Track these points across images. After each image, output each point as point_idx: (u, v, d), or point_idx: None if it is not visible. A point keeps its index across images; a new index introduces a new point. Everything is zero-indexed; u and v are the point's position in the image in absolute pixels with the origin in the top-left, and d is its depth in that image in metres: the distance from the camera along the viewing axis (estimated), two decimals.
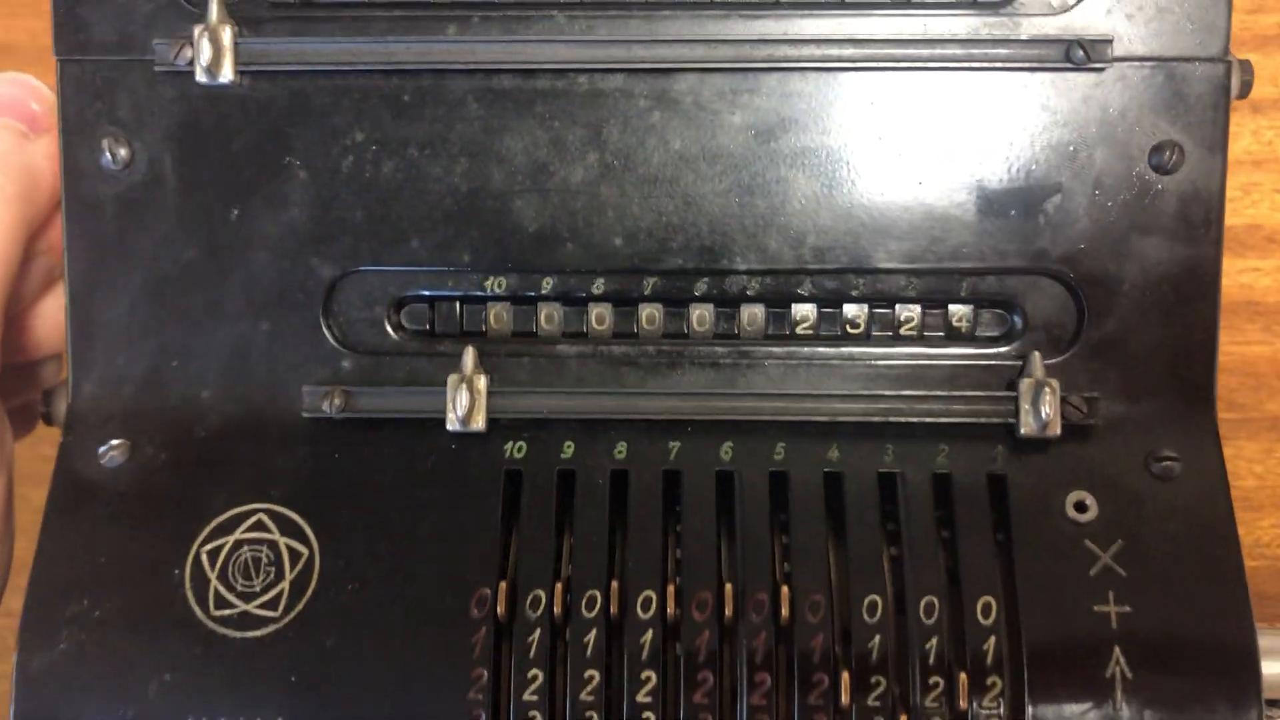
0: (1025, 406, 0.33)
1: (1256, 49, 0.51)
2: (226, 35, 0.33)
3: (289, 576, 0.32)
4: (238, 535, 0.32)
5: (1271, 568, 0.49)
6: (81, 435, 0.34)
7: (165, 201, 0.34)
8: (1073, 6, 0.33)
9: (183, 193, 0.34)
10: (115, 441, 0.34)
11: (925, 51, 0.33)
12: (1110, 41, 0.32)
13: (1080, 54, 0.32)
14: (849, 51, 0.33)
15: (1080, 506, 0.32)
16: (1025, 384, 0.33)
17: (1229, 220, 0.48)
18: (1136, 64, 0.33)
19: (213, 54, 0.33)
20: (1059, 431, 0.33)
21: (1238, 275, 0.50)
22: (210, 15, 0.33)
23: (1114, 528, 0.32)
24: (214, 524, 0.33)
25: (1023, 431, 0.33)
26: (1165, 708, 0.30)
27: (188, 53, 0.33)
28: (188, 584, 0.32)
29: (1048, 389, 0.33)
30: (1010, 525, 0.32)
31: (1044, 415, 0.32)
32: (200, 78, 0.33)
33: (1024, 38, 0.33)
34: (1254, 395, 0.49)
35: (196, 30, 0.33)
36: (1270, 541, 0.48)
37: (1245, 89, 0.34)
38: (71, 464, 0.34)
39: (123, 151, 0.34)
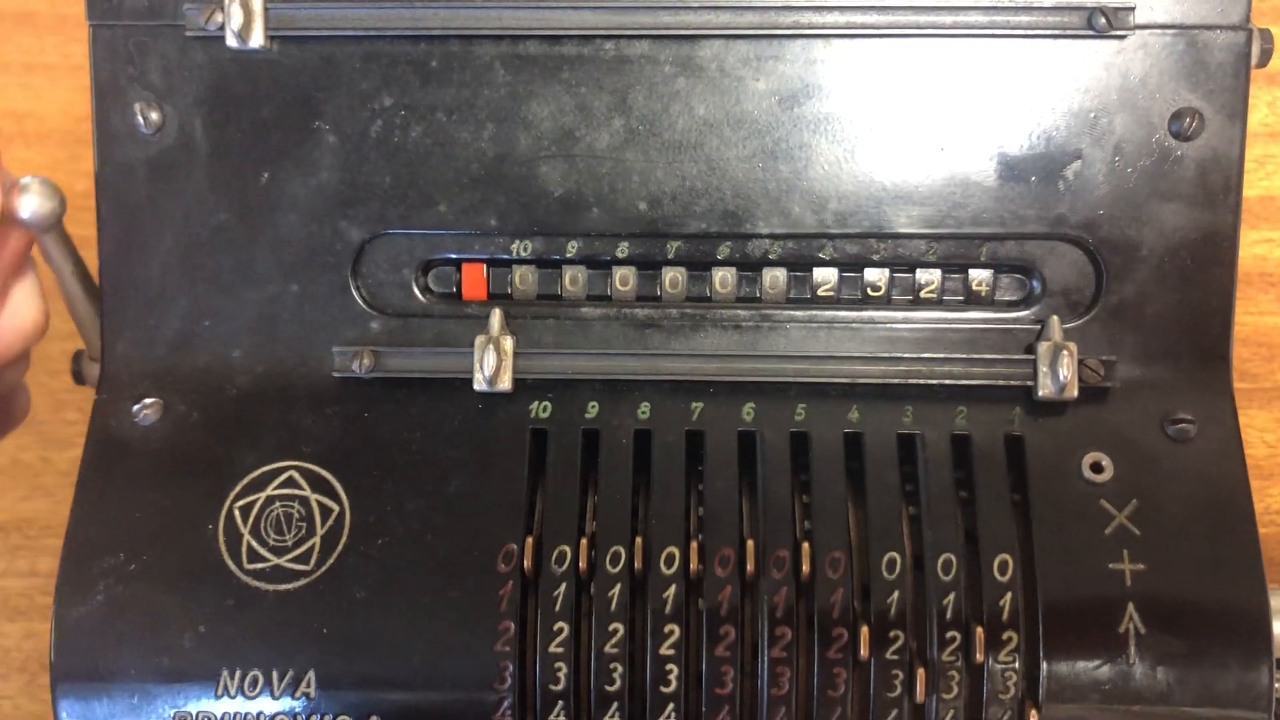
0: (1043, 369, 0.33)
1: (1276, 20, 0.51)
2: (258, 0, 0.33)
3: (320, 532, 0.33)
4: (270, 491, 0.33)
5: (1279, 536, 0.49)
6: (115, 394, 0.35)
7: (196, 165, 0.34)
8: None
9: (213, 156, 0.34)
10: (148, 400, 0.34)
11: (948, 19, 0.33)
12: (1132, 9, 0.33)
13: (1102, 21, 0.33)
14: (872, 19, 0.33)
15: (1096, 467, 0.33)
16: (1043, 347, 0.33)
17: (1245, 192, 0.49)
18: (1158, 31, 0.33)
19: (243, 19, 0.33)
20: (1076, 394, 0.33)
21: (1251, 246, 0.50)
22: None
23: (1129, 488, 0.32)
24: (246, 480, 0.33)
25: (1040, 394, 0.33)
26: (1177, 663, 0.31)
27: (219, 17, 0.33)
28: (221, 538, 0.33)
29: (1065, 352, 0.33)
30: (1027, 485, 0.33)
31: (1061, 378, 0.33)
32: (231, 42, 0.33)
33: (1047, 5, 0.33)
34: (1266, 365, 0.50)
35: None
36: None
37: (1265, 57, 0.34)
38: (105, 422, 0.34)
39: (154, 115, 0.34)
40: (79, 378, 0.38)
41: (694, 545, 0.32)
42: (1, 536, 0.50)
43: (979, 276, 0.35)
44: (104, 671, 0.32)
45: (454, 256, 0.35)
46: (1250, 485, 0.33)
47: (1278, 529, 0.49)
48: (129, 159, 0.34)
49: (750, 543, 0.32)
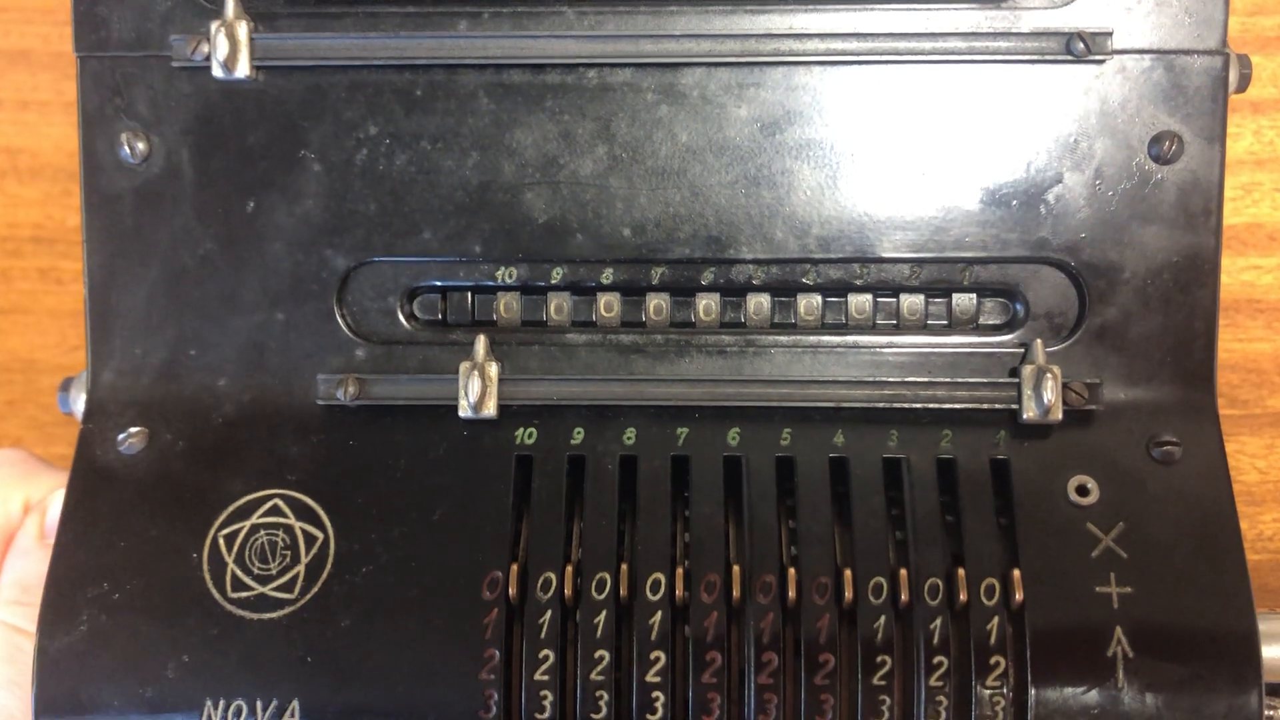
0: (1027, 392, 0.33)
1: (1258, 50, 0.51)
2: (243, 31, 0.33)
3: (304, 560, 0.33)
4: (254, 520, 0.33)
5: (1274, 561, 0.49)
6: (101, 423, 0.35)
7: (182, 194, 0.34)
8: (1072, 0, 0.33)
9: (199, 186, 0.34)
10: (134, 429, 0.34)
11: (928, 45, 0.33)
12: (1110, 34, 0.33)
13: (1080, 46, 0.33)
14: (853, 45, 0.33)
15: (1082, 490, 0.33)
16: (1027, 370, 0.33)
17: (1231, 219, 0.49)
18: (1136, 56, 0.33)
19: (229, 49, 0.33)
20: (1060, 417, 0.33)
21: (1239, 273, 0.50)
22: (227, 11, 0.33)
23: (1115, 511, 0.32)
24: (231, 509, 0.33)
25: (1025, 417, 0.33)
26: (1166, 687, 0.31)
27: (204, 48, 0.34)
28: (205, 567, 0.33)
29: (1049, 375, 0.33)
30: (1013, 509, 0.33)
31: (1046, 401, 0.33)
32: (217, 73, 0.34)
33: (1025, 31, 0.33)
34: (1256, 391, 0.49)
35: (213, 26, 0.33)
36: (1273, 535, 0.48)
37: (1243, 82, 0.34)
38: (91, 451, 0.34)
39: (141, 145, 0.34)
40: (64, 405, 0.38)
41: (680, 571, 0.32)
42: None
43: (962, 300, 0.35)
44: (87, 702, 0.32)
45: (439, 284, 0.35)
46: (1236, 506, 0.33)
47: (1270, 555, 0.49)
48: (116, 189, 0.34)
49: (736, 568, 0.32)
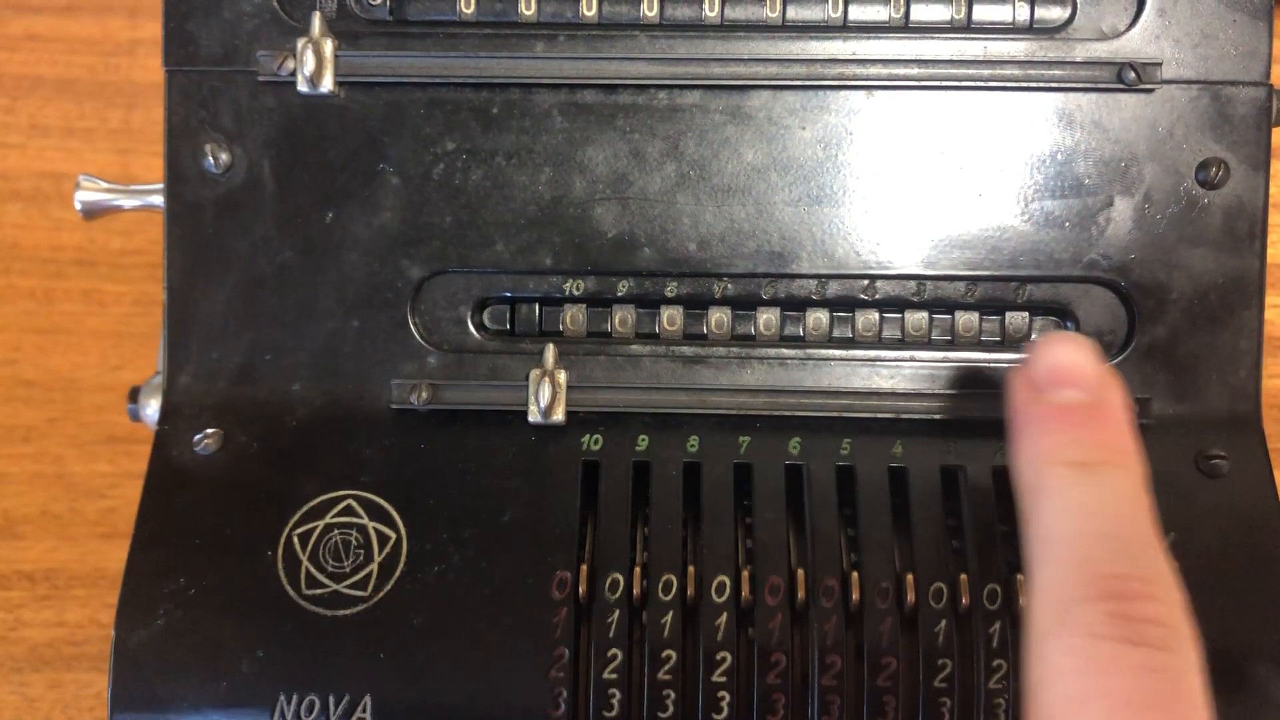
0: None
1: None
2: (328, 48, 0.35)
3: (377, 559, 0.33)
4: (328, 519, 0.34)
5: None
6: (176, 425, 0.35)
7: (263, 204, 0.36)
8: (1124, 32, 0.35)
9: (280, 196, 0.36)
10: (209, 431, 0.35)
11: (985, 72, 0.35)
12: (1159, 65, 0.35)
13: (1131, 76, 0.34)
14: (913, 72, 0.35)
15: None
16: None
17: None
18: (1184, 86, 0.35)
19: (315, 65, 0.35)
20: None
21: (1265, 311, 0.52)
22: (313, 29, 0.35)
23: (1167, 521, 0.33)
24: (305, 509, 0.34)
25: None
26: (1220, 693, 0.31)
27: (290, 64, 0.35)
28: (280, 565, 0.33)
29: None
30: None
31: None
32: (302, 88, 0.35)
33: (1078, 60, 0.35)
34: (1277, 426, 0.51)
35: (300, 43, 0.35)
36: None
37: None
38: (167, 452, 0.35)
39: (224, 156, 0.35)
40: (134, 415, 0.39)
41: (745, 575, 0.33)
42: (29, 586, 0.50)
43: (1016, 318, 0.36)
44: (162, 696, 0.32)
45: (509, 294, 0.36)
46: None
47: None
48: (198, 198, 0.36)
49: (800, 572, 0.33)
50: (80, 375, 0.52)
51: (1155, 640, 0.25)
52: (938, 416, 0.35)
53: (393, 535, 0.34)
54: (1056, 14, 0.35)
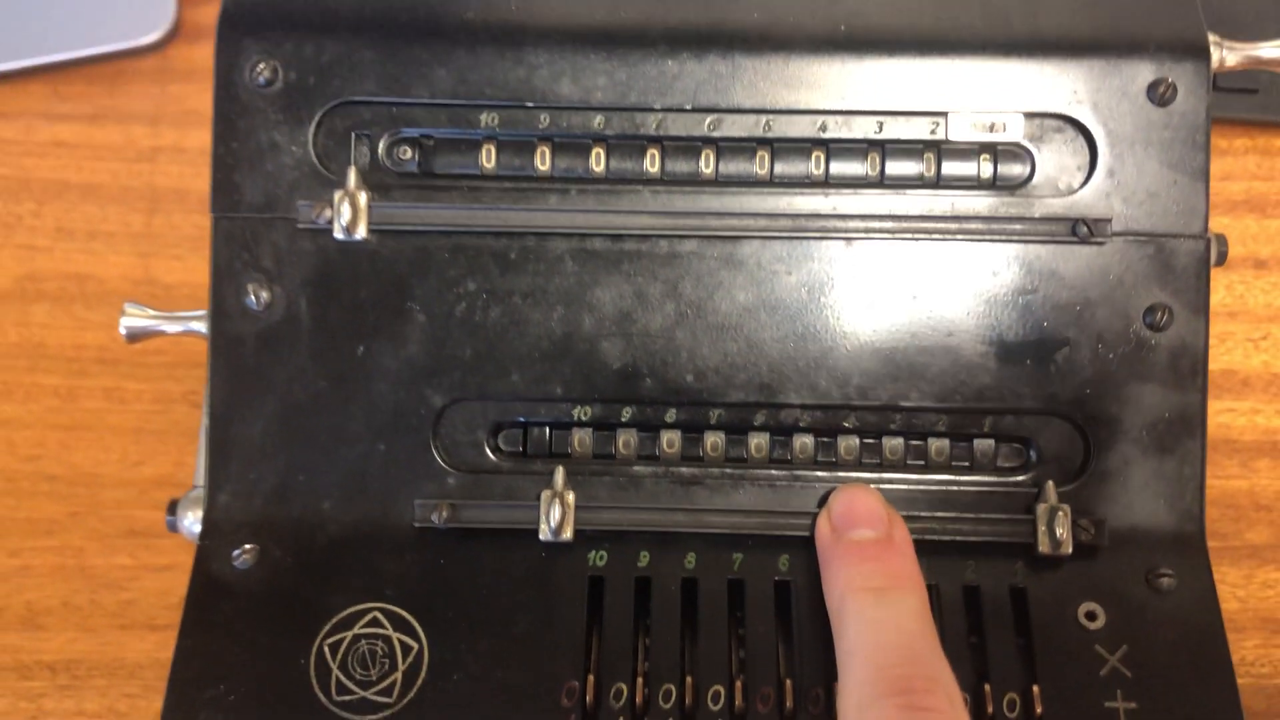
0: (1041, 528, 0.38)
1: (1226, 213, 0.56)
2: (363, 200, 0.38)
3: (401, 667, 0.36)
4: (356, 630, 0.37)
5: (1256, 685, 0.51)
6: (216, 540, 0.38)
7: (299, 338, 0.39)
8: (1078, 190, 0.39)
9: (315, 331, 0.39)
10: (247, 546, 0.38)
11: (953, 225, 0.39)
12: (1109, 220, 0.39)
13: (1084, 230, 0.38)
14: (888, 225, 0.39)
15: (1090, 615, 0.37)
16: (1041, 508, 0.38)
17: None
18: (1132, 238, 0.39)
19: (351, 215, 0.38)
20: (1071, 550, 0.38)
21: (1216, 416, 0.53)
22: (349, 182, 0.38)
23: (1120, 634, 0.37)
24: (334, 620, 0.37)
25: (1040, 550, 0.38)
26: None
27: (328, 213, 0.38)
28: (312, 673, 0.36)
29: (1060, 513, 0.38)
30: (1031, 631, 0.37)
31: (1058, 536, 0.38)
32: (338, 234, 0.38)
33: (1037, 215, 0.39)
34: (1235, 525, 0.52)
35: (337, 195, 0.38)
36: (1255, 660, 0.51)
37: (1221, 258, 0.40)
38: (208, 565, 0.38)
39: (264, 294, 0.39)
40: (172, 526, 0.41)
41: (738, 684, 0.36)
42: (50, 676, 0.51)
43: (982, 445, 0.40)
44: None
45: (522, 420, 0.40)
46: (1226, 637, 0.37)
47: (1252, 680, 0.51)
48: (240, 332, 0.39)
49: (789, 682, 0.36)
50: (101, 470, 0.53)
51: None
52: (914, 537, 0.38)
53: (415, 645, 0.37)
54: (1017, 171, 0.39)
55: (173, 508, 0.41)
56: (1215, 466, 0.53)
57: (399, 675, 0.36)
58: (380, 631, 0.37)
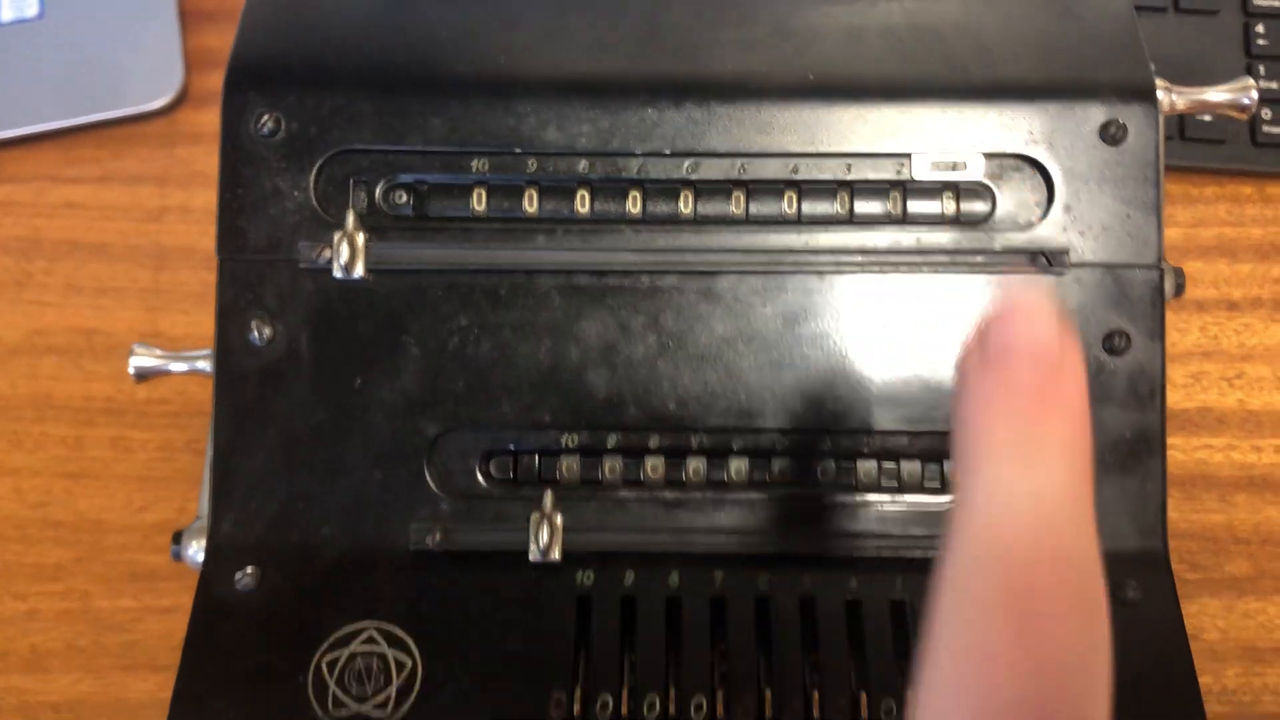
0: None
1: (1199, 257, 0.58)
2: (360, 241, 0.40)
3: (396, 683, 0.38)
4: (352, 648, 0.38)
5: (1238, 713, 0.52)
6: (219, 565, 0.40)
7: (300, 372, 0.41)
8: (1037, 224, 0.41)
9: (315, 366, 0.41)
10: (249, 569, 0.40)
11: (920, 259, 0.41)
12: (1067, 251, 0.41)
13: (1044, 261, 0.41)
14: (858, 259, 0.41)
15: None
16: None
17: (1183, 404, 0.55)
18: (1089, 269, 0.41)
19: (349, 255, 0.40)
20: None
21: (1193, 452, 0.55)
22: (347, 224, 0.40)
23: None
24: (332, 638, 0.39)
25: None
26: None
27: (327, 253, 0.41)
28: (310, 689, 0.38)
29: None
30: None
31: None
32: (337, 274, 0.40)
33: (998, 249, 0.41)
34: (1214, 558, 0.54)
35: (336, 236, 0.40)
36: (1236, 689, 0.51)
37: (1179, 290, 0.42)
38: (210, 588, 0.40)
39: (267, 331, 0.41)
40: (177, 556, 0.43)
41: (719, 695, 0.38)
42: (54, 716, 0.52)
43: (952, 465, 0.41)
44: None
45: (512, 447, 0.41)
46: (1190, 644, 0.39)
47: (1234, 708, 0.51)
48: (244, 367, 0.41)
49: (768, 693, 0.37)
50: (106, 517, 0.55)
51: None
52: (887, 554, 0.40)
53: (409, 661, 0.38)
54: (979, 208, 0.42)
55: (177, 537, 0.43)
56: (1194, 501, 0.54)
57: (394, 690, 0.38)
58: (376, 649, 0.38)
